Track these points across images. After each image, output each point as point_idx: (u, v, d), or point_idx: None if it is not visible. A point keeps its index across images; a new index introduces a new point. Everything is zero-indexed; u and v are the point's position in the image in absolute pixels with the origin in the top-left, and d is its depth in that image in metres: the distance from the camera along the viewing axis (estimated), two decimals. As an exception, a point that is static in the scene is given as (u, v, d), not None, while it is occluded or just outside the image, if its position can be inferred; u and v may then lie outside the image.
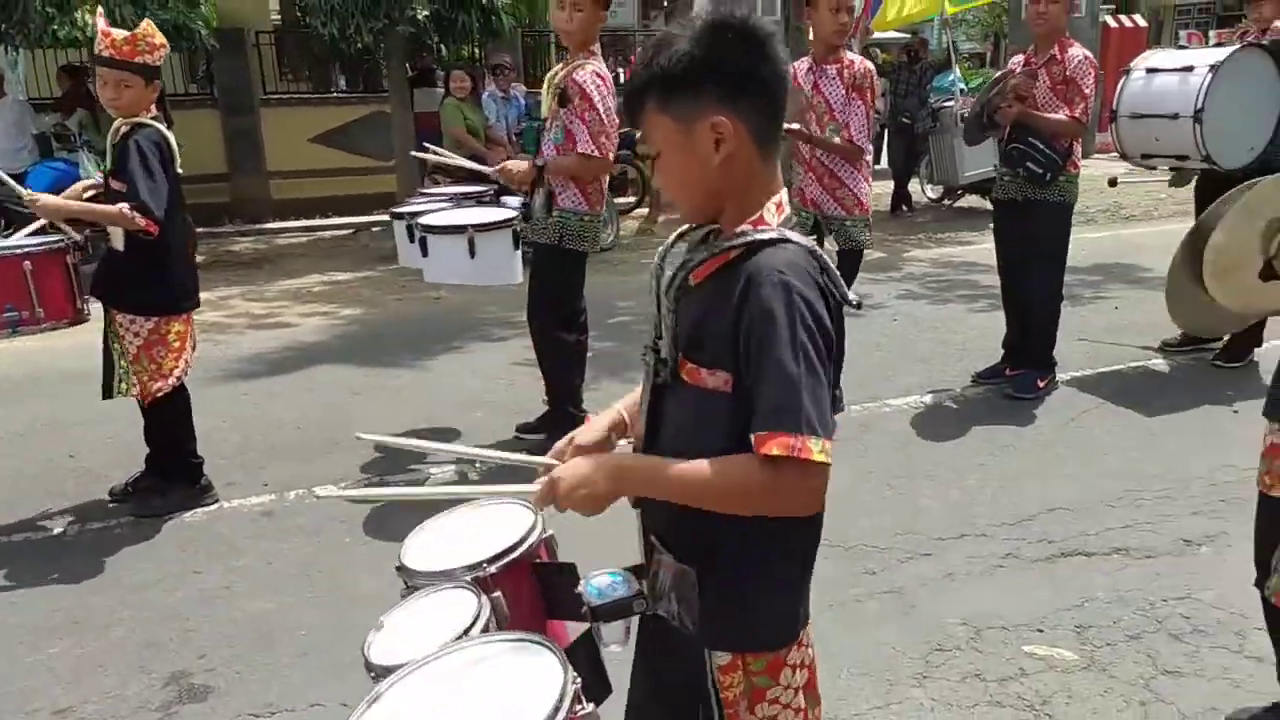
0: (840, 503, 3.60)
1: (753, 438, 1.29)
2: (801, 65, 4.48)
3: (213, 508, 3.79)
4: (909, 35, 13.13)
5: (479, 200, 4.18)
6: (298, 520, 3.71)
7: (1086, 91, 4.38)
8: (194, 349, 3.73)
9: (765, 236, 1.37)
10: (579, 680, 1.33)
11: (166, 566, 3.36)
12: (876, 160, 12.63)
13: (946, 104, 10.32)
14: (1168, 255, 6.08)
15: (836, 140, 4.29)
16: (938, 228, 9.82)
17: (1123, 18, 16.97)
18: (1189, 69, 4.71)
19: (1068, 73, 4.39)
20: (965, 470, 3.98)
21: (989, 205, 9.92)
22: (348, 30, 8.56)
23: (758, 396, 1.31)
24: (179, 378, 3.60)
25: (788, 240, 1.37)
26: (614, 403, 1.69)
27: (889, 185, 10.72)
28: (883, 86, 11.28)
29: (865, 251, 4.61)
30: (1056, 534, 3.42)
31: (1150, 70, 4.91)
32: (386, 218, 10.54)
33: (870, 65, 4.41)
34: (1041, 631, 2.86)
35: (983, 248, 8.43)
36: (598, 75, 3.83)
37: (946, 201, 10.83)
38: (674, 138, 1.38)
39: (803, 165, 4.47)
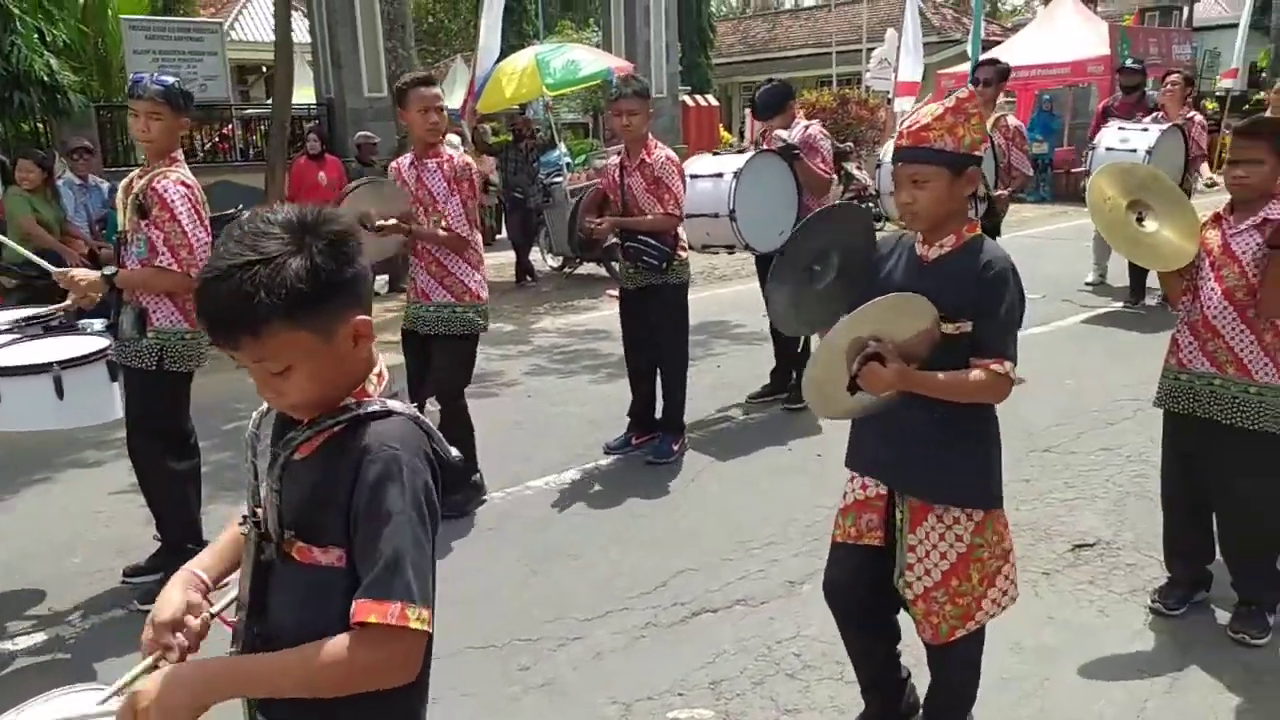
0: (488, 601, 3.64)
1: (354, 606, 1.31)
2: (404, 161, 4.53)
3: None
4: (514, 110, 13.70)
5: (47, 326, 3.59)
6: None
7: (674, 188, 4.92)
8: None
9: (370, 409, 1.41)
10: None
11: None
12: (499, 234, 13.02)
13: (556, 180, 10.98)
14: (756, 312, 6.75)
15: (441, 232, 4.37)
16: (561, 296, 10.31)
17: (699, 97, 19.29)
18: (719, 175, 5.49)
19: (655, 173, 4.90)
20: (606, 545, 4.18)
21: (605, 272, 10.74)
22: None
23: (362, 567, 1.34)
24: None
25: (391, 412, 1.41)
26: (192, 560, 1.56)
27: (512, 257, 11.10)
28: (493, 163, 11.69)
29: (481, 334, 4.63)
30: (687, 595, 3.70)
31: (693, 176, 5.61)
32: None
33: (469, 160, 4.56)
34: (683, 695, 3.08)
35: (603, 314, 8.99)
36: (182, 183, 3.56)
37: (566, 269, 11.42)
38: (313, 348, 1.36)
39: (415, 256, 4.48)
